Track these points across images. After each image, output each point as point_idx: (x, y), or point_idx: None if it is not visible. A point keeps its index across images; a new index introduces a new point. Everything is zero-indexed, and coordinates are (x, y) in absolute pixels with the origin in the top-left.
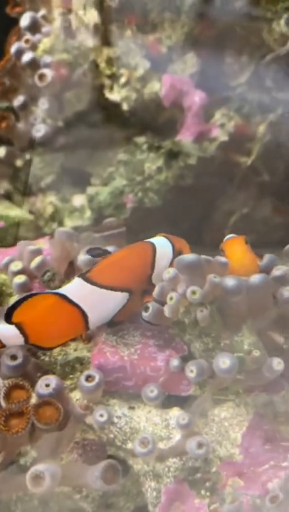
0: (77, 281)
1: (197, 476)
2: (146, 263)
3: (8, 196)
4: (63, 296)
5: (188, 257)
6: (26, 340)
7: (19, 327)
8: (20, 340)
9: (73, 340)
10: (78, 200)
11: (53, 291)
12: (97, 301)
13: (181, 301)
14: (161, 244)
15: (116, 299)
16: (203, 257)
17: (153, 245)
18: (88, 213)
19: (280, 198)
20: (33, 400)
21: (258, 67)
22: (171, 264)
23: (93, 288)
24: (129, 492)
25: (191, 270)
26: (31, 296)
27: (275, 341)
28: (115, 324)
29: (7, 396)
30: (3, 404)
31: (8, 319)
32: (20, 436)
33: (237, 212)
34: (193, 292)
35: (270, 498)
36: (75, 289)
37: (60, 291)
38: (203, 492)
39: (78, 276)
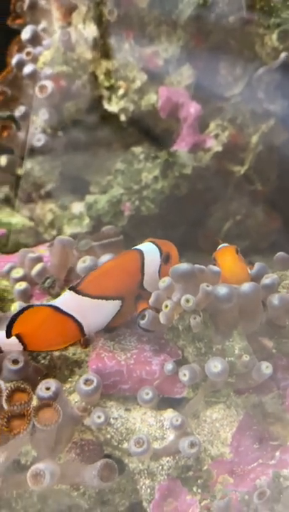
0: (68, 294)
1: (189, 474)
2: (136, 270)
3: (9, 203)
4: (57, 308)
5: (183, 266)
6: (25, 348)
7: (18, 337)
8: (19, 348)
9: (72, 345)
10: (77, 207)
11: (47, 303)
12: (89, 311)
13: (175, 309)
14: (149, 250)
15: (109, 307)
16: (197, 266)
17: (141, 252)
18: (87, 220)
19: (272, 206)
20: (34, 402)
21: (251, 80)
22: (160, 268)
23: (85, 299)
24: (124, 489)
25: (185, 279)
26: (27, 308)
27: (264, 346)
28: (111, 330)
29: (9, 398)
30: (6, 407)
31: (9, 333)
32: (22, 436)
33: (230, 219)
34: (187, 300)
35: (258, 495)
36: (67, 300)
37: (54, 303)
38: (194, 489)
39: (69, 289)
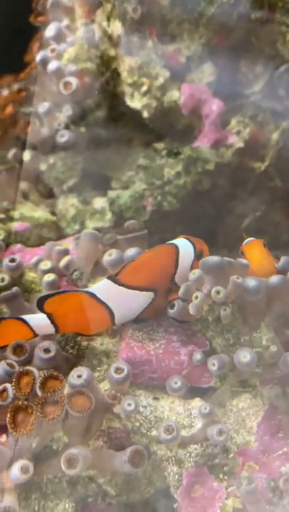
0: (105, 282)
1: (216, 461)
2: (170, 263)
3: (31, 198)
4: (92, 295)
5: (213, 259)
6: (57, 331)
7: (50, 318)
8: (51, 329)
9: (99, 335)
10: (99, 202)
11: (84, 289)
12: (123, 301)
13: (205, 300)
14: (183, 245)
15: (142, 299)
16: (226, 259)
17: (176, 247)
18: (109, 215)
19: None
20: (66, 390)
21: (272, 77)
22: (193, 264)
23: (120, 288)
24: (150, 477)
25: (215, 271)
26: (62, 292)
27: None
28: (140, 321)
29: (42, 386)
30: (39, 393)
31: (40, 306)
32: (55, 422)
33: (250, 215)
34: (218, 292)
35: (283, 481)
36: (103, 288)
37: (90, 289)
38: (221, 476)
39: (107, 278)
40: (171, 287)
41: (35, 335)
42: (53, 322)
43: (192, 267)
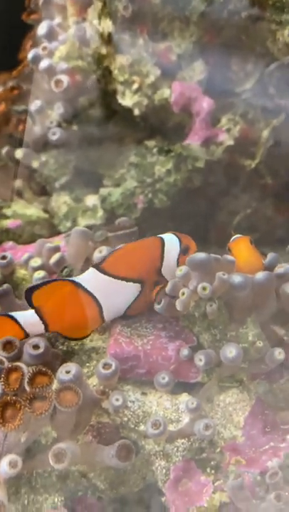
0: (91, 271)
1: (203, 455)
2: (156, 255)
3: (23, 195)
4: (78, 285)
5: (200, 255)
6: (46, 328)
7: (38, 313)
8: (40, 327)
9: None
10: (91, 200)
11: (69, 278)
12: (110, 291)
13: (192, 296)
14: (169, 239)
15: (129, 290)
16: (213, 255)
17: (162, 239)
18: (101, 213)
19: (282, 199)
20: (54, 386)
21: (263, 75)
22: (178, 259)
23: (107, 278)
24: (139, 471)
25: (201, 268)
26: (49, 282)
27: (277, 333)
28: (129, 317)
29: (31, 381)
30: (28, 389)
31: (28, 298)
32: (43, 417)
33: (241, 212)
34: (204, 288)
35: (270, 475)
36: (89, 278)
37: (76, 279)
38: (208, 470)
39: (92, 267)
40: (158, 280)
41: (26, 333)
42: (41, 318)
43: (178, 262)
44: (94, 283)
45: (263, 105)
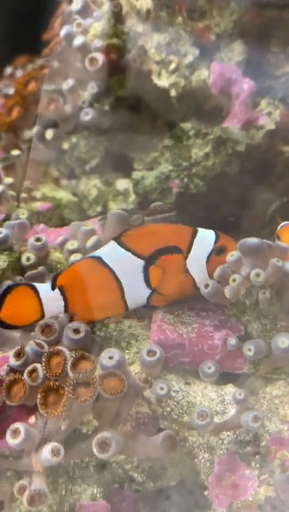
0: (111, 245)
1: (248, 449)
2: (182, 244)
3: (52, 178)
4: (98, 258)
5: (253, 240)
6: (66, 306)
7: (61, 290)
8: (60, 303)
9: (127, 317)
10: (122, 184)
11: (91, 254)
12: (129, 269)
13: (243, 283)
14: (205, 233)
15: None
16: (265, 241)
17: (195, 230)
18: (133, 197)
19: None
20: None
21: None
22: (210, 257)
23: (127, 253)
24: (176, 464)
25: (254, 253)
26: (72, 264)
27: None
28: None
29: (74, 367)
30: (71, 374)
31: (53, 282)
32: (87, 404)
33: (277, 201)
34: (257, 275)
35: None
36: (108, 251)
37: (96, 253)
38: (253, 464)
39: (113, 239)
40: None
41: (42, 309)
42: (63, 295)
43: (209, 260)
44: (113, 257)
45: None
